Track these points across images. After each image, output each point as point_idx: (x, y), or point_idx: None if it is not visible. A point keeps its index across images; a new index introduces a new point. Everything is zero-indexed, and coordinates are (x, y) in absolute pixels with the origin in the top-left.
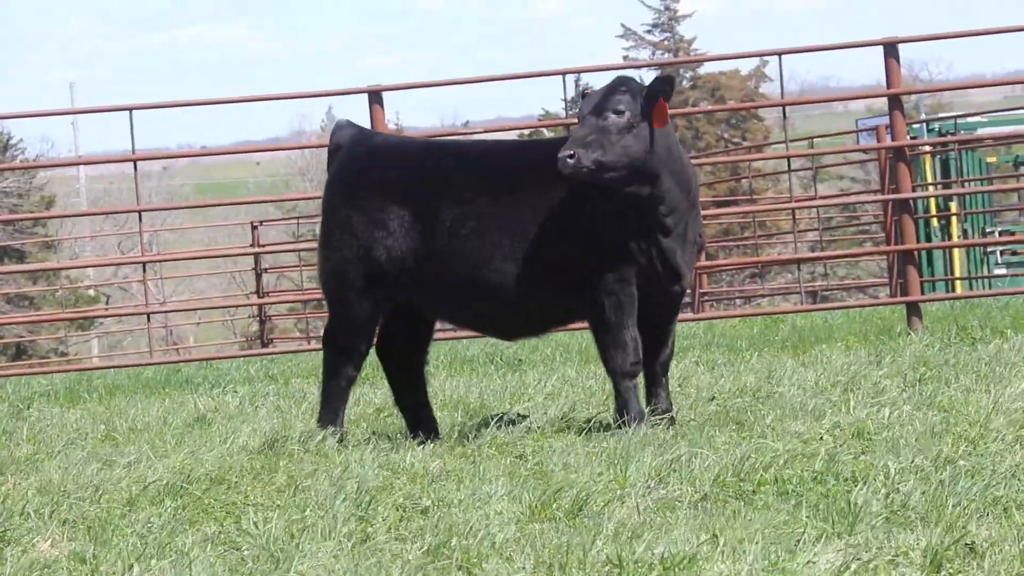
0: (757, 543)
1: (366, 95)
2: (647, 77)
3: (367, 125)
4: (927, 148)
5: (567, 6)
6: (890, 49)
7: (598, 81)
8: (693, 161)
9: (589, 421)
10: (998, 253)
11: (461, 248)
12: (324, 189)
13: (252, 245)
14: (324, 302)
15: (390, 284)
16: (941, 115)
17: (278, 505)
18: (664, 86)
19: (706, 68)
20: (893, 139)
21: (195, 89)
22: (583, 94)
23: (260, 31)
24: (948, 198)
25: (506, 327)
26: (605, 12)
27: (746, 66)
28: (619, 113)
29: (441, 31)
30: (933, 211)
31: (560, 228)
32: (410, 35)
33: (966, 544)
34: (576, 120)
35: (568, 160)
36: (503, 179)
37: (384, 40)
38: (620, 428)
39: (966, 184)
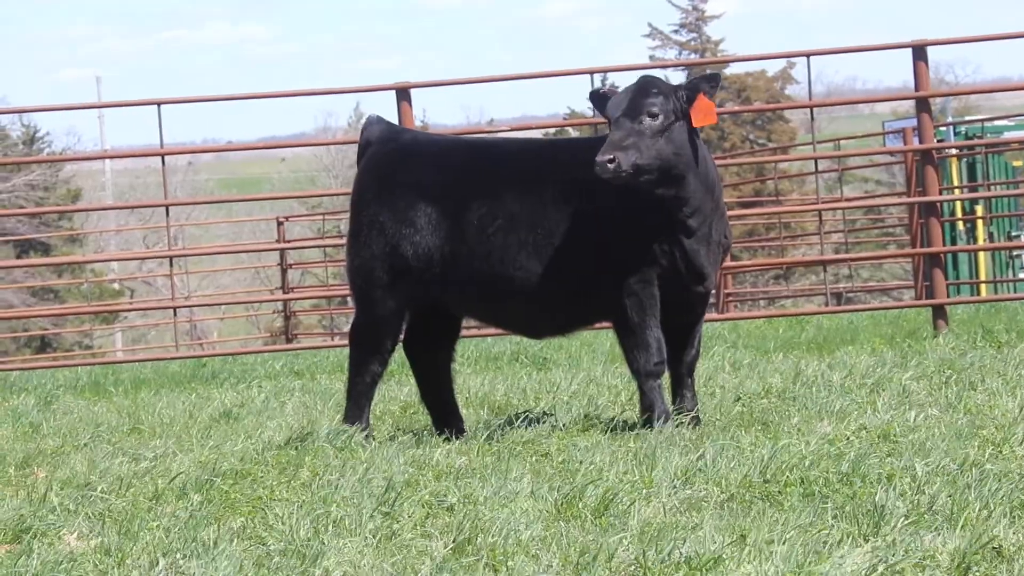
0: (783, 544)
1: (393, 92)
2: (673, 78)
3: (395, 122)
4: (953, 151)
5: (576, 6)
6: (919, 52)
7: (624, 81)
8: (719, 162)
9: (614, 420)
10: (1023, 257)
11: (488, 246)
12: (353, 185)
13: (278, 241)
14: (350, 298)
15: (417, 281)
16: (968, 118)
17: (304, 500)
18: (705, 83)
19: (732, 69)
20: (921, 142)
21: (216, 85)
22: (600, 94)
23: (278, 30)
24: (974, 201)
25: (532, 325)
26: (614, 12)
27: (772, 67)
28: (654, 116)
29: (452, 30)
30: (959, 214)
31: (585, 228)
32: (419, 35)
33: (993, 548)
34: (602, 120)
35: (608, 165)
36: (531, 177)
37: (394, 40)
38: (645, 428)
39: (992, 187)
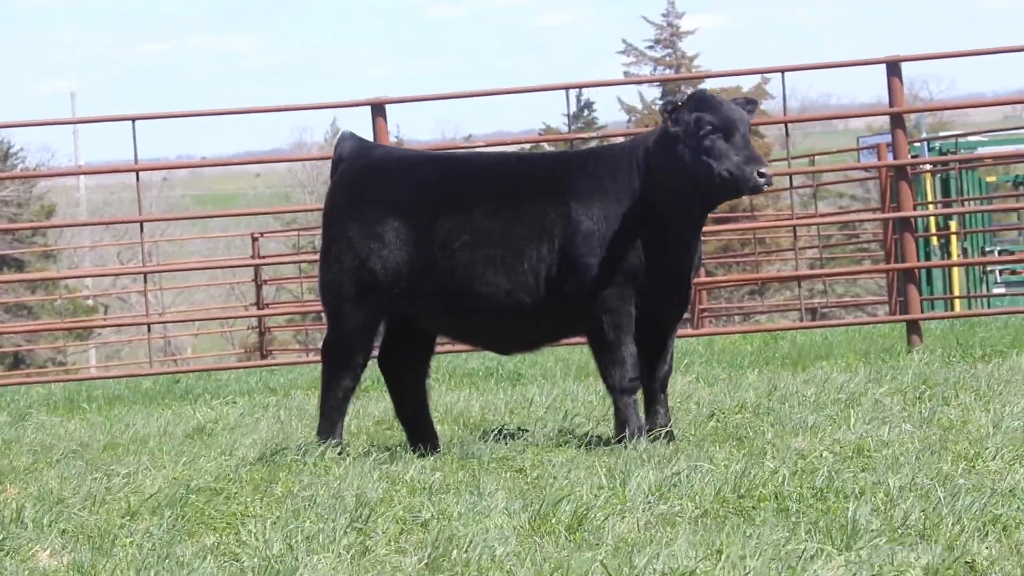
0: (757, 560)
1: (369, 108)
2: (647, 93)
3: (370, 137)
4: (927, 167)
5: (567, 19)
6: (893, 68)
7: (599, 95)
8: None
9: (589, 436)
10: (997, 272)
11: (454, 261)
12: (325, 201)
13: (252, 257)
14: (323, 314)
15: (386, 296)
16: (942, 134)
17: (278, 516)
18: (745, 105)
19: (707, 84)
20: (895, 157)
21: (193, 100)
22: (673, 102)
23: (259, 42)
24: (948, 217)
25: (500, 341)
26: (605, 24)
27: (747, 83)
28: None
29: (441, 42)
30: (933, 230)
31: (561, 245)
32: (410, 45)
33: (966, 562)
34: (577, 136)
35: (771, 176)
36: (502, 192)
37: (384, 50)
38: (620, 443)
39: (966, 203)
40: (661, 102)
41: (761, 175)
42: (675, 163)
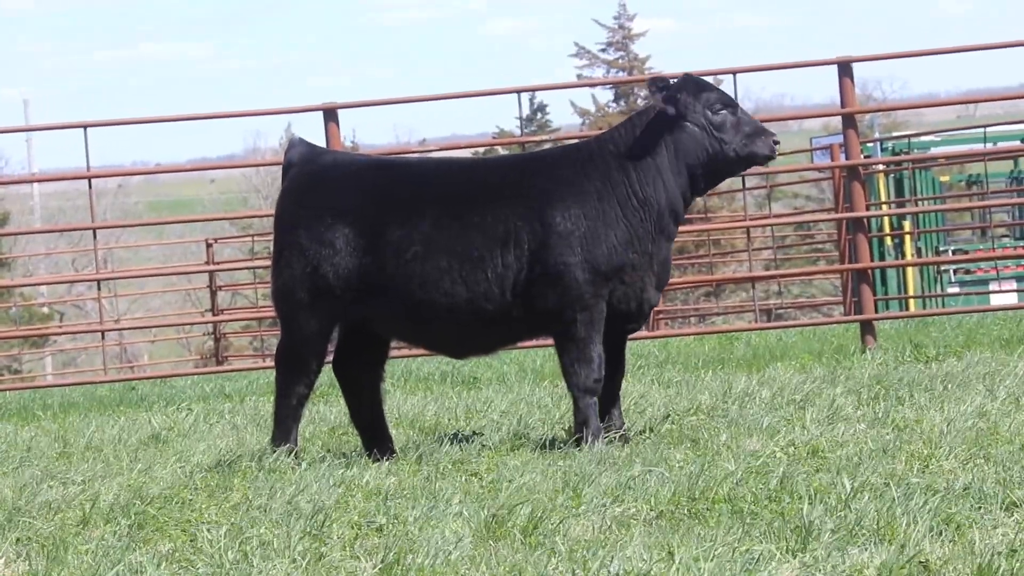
0: (711, 561)
1: (321, 113)
2: (600, 96)
3: (323, 142)
4: (881, 167)
5: (520, 25)
6: (844, 68)
7: (552, 98)
8: None
9: (544, 439)
10: (951, 272)
11: (407, 270)
12: (275, 207)
13: (207, 263)
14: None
15: (338, 302)
16: (895, 134)
17: (233, 523)
18: None
19: None
20: (847, 158)
21: (149, 106)
22: (663, 81)
23: (213, 49)
24: (902, 217)
25: (459, 347)
26: (558, 31)
27: None
28: None
29: (396, 48)
30: (887, 230)
31: (531, 248)
32: (365, 53)
33: (920, 562)
34: (530, 139)
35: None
36: (452, 198)
37: (339, 57)
38: (577, 444)
39: (919, 203)
40: (649, 84)
41: (776, 142)
42: (684, 144)
